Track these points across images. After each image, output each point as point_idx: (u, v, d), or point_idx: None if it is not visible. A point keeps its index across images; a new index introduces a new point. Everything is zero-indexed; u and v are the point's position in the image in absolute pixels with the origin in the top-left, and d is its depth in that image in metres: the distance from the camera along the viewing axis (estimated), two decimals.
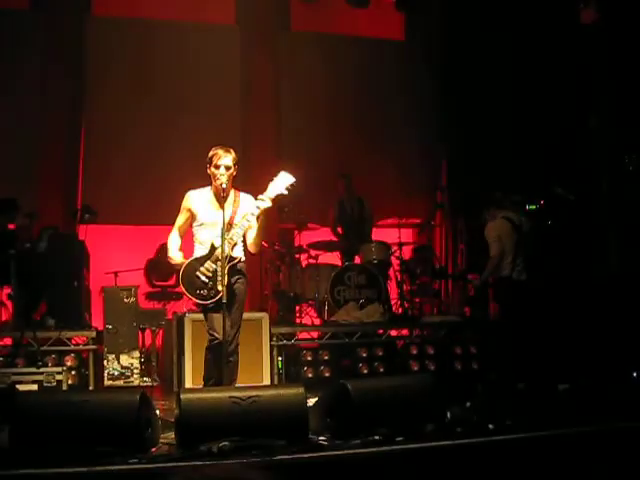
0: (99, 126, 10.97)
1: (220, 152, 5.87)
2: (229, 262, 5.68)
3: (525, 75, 10.52)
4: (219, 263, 5.67)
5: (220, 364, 5.63)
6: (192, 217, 5.96)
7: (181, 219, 6.02)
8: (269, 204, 5.76)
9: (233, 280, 5.80)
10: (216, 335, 5.69)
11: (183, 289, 5.82)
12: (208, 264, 5.75)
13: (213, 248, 5.75)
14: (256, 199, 5.79)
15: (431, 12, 11.96)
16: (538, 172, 9.49)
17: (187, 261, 5.85)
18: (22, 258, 8.44)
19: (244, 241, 5.96)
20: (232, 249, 5.76)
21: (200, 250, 5.89)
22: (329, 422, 5.20)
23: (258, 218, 5.83)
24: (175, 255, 5.94)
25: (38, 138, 10.69)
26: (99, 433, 4.65)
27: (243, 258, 5.94)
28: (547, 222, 9.01)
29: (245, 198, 5.98)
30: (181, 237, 6.05)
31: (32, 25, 10.91)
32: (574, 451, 5.03)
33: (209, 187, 5.98)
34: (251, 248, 5.99)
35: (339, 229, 10.39)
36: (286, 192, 5.82)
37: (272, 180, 5.84)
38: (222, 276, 5.60)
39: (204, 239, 5.87)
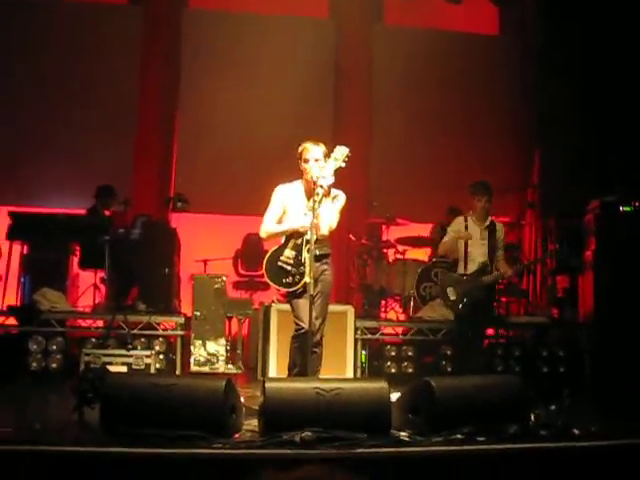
0: (193, 117, 11.19)
1: (308, 146, 5.87)
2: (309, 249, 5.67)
3: (625, 70, 10.20)
4: (300, 248, 5.72)
5: (305, 353, 5.68)
6: (284, 213, 5.99)
7: (275, 213, 5.99)
8: (331, 180, 5.72)
9: (319, 271, 5.82)
10: (302, 324, 5.74)
11: (269, 281, 5.89)
12: (287, 252, 5.80)
13: (289, 236, 5.81)
14: (317, 179, 5.71)
15: (526, 5, 11.76)
16: (634, 172, 9.20)
17: (268, 254, 5.90)
18: (116, 244, 8.69)
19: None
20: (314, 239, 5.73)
21: (281, 240, 5.95)
22: (411, 418, 5.17)
23: (330, 198, 5.81)
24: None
25: (134, 128, 10.99)
26: (185, 417, 4.74)
27: (329, 251, 5.95)
28: None
29: (338, 194, 5.96)
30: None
31: (130, 18, 11.20)
32: None
33: (300, 181, 6.01)
34: (322, 229, 5.85)
35: (430, 248, 10.29)
36: (343, 164, 5.77)
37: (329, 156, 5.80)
38: (310, 266, 5.62)
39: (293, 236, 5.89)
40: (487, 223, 7.63)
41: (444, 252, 8.00)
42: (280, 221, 6.00)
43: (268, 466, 4.26)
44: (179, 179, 10.81)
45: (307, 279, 5.65)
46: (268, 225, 5.99)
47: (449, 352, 8.82)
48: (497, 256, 7.55)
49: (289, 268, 5.78)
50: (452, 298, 7.56)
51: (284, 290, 5.89)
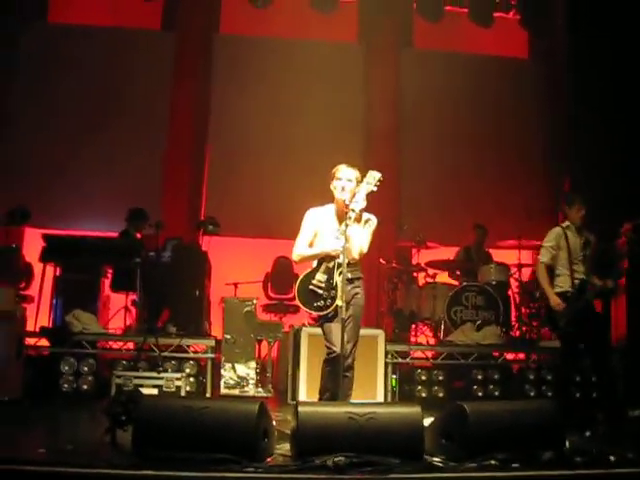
0: (224, 140, 11.30)
1: (341, 166, 5.89)
2: (340, 272, 5.68)
3: None
4: (332, 272, 5.72)
5: (337, 377, 5.65)
6: (315, 236, 5.97)
7: (306, 237, 5.97)
8: (363, 204, 5.72)
9: (350, 295, 5.81)
10: (334, 348, 5.72)
11: (301, 305, 5.86)
12: (319, 275, 5.78)
13: (321, 260, 5.81)
14: (349, 202, 5.71)
15: (556, 30, 11.75)
16: None
17: (300, 278, 5.90)
18: (147, 266, 8.74)
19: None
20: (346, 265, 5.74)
21: (313, 264, 5.93)
22: (444, 443, 5.12)
23: (362, 222, 5.82)
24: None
25: (166, 151, 11.09)
26: (217, 440, 4.72)
27: (360, 275, 5.94)
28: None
29: (369, 217, 5.94)
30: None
31: (163, 44, 11.36)
32: None
33: (331, 204, 6.02)
34: (353, 253, 5.83)
35: (458, 272, 10.26)
36: (375, 189, 5.75)
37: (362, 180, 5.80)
38: (342, 289, 5.62)
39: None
40: (584, 237, 7.08)
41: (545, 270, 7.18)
42: (312, 244, 5.99)
43: None
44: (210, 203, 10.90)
45: (339, 302, 5.64)
46: (300, 248, 5.98)
47: (480, 377, 8.76)
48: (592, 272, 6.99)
49: (321, 292, 5.77)
50: (561, 324, 7.01)
51: (315, 314, 5.87)
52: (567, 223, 7.18)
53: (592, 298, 7.03)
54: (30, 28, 11.19)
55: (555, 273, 7.11)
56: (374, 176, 5.79)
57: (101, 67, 11.05)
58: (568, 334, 6.98)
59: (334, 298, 5.71)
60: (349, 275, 5.72)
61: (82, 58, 10.99)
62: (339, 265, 5.69)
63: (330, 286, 5.74)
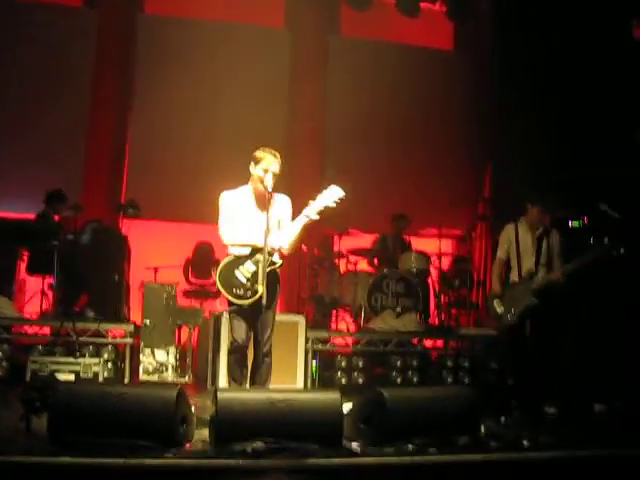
0: (145, 122, 11.10)
1: (269, 157, 5.86)
2: (270, 266, 5.70)
3: (574, 87, 10.38)
4: (259, 265, 5.70)
5: (242, 367, 5.79)
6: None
7: (230, 218, 5.93)
8: (316, 217, 5.77)
9: (269, 283, 5.81)
10: (238, 340, 5.78)
11: (219, 285, 5.82)
12: (248, 264, 5.76)
13: (254, 250, 5.77)
14: (304, 209, 5.76)
15: (481, 22, 11.93)
16: (584, 188, 9.36)
17: (227, 259, 5.86)
18: (65, 249, 8.55)
19: None
20: (272, 254, 5.77)
21: (236, 249, 5.89)
22: (363, 429, 5.19)
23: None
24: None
25: (85, 132, 10.87)
26: (135, 426, 4.69)
27: (281, 262, 5.93)
28: (590, 240, 8.87)
29: (280, 199, 5.98)
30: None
31: (84, 21, 11.11)
32: (608, 473, 4.97)
33: (247, 186, 6.00)
34: (286, 250, 5.92)
35: (375, 260, 10.34)
36: (334, 205, 5.80)
37: (321, 192, 5.80)
38: (262, 278, 5.61)
39: (243, 240, 5.86)
40: (540, 231, 7.39)
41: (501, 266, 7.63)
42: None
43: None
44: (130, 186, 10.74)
45: (260, 288, 5.63)
46: (230, 234, 5.90)
47: (399, 363, 8.86)
48: (553, 263, 7.32)
49: (244, 281, 5.75)
50: (499, 311, 7.35)
51: (231, 299, 5.83)
52: (522, 219, 7.48)
53: (537, 287, 7.21)
54: None
55: (509, 267, 7.51)
56: (336, 194, 5.79)
57: (20, 46, 10.70)
58: (511, 320, 7.25)
59: (255, 292, 5.69)
60: (276, 270, 5.80)
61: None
62: (268, 260, 5.67)
63: (255, 279, 5.72)
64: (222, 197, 6.00)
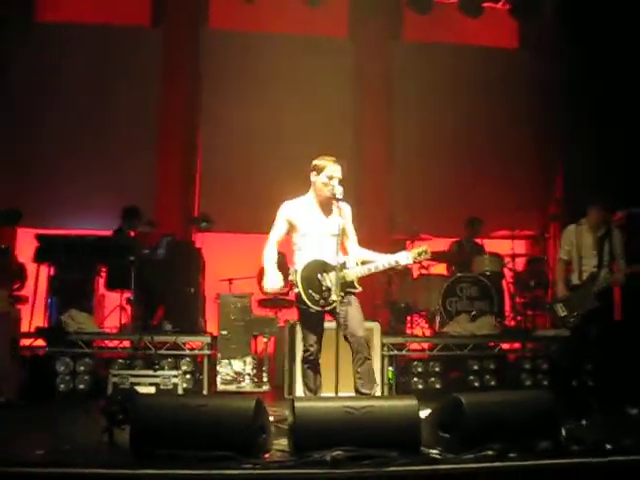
0: (215, 136, 11.27)
1: (331, 164, 5.90)
2: (347, 285, 5.79)
3: None
4: (337, 278, 5.71)
5: (316, 375, 5.86)
6: (292, 228, 5.99)
7: (280, 230, 6.03)
8: (409, 263, 5.98)
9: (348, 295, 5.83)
10: (310, 349, 5.86)
11: (297, 280, 5.85)
12: (333, 274, 5.76)
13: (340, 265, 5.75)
14: (393, 257, 5.93)
15: (547, 18, 11.74)
16: None
17: (307, 263, 5.88)
18: (142, 264, 8.72)
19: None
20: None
21: (304, 257, 5.91)
22: (441, 435, 5.15)
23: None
24: (272, 280, 5.91)
25: (158, 148, 11.07)
26: (215, 437, 4.73)
27: (359, 289, 5.94)
28: None
29: (342, 206, 5.98)
30: (277, 249, 6.07)
31: (151, 39, 11.34)
32: None
33: (309, 195, 6.03)
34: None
35: (452, 267, 10.26)
36: (415, 261, 6.00)
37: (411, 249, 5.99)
38: (336, 286, 5.64)
39: (307, 248, 5.91)
40: (602, 231, 7.40)
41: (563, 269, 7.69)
42: (285, 237, 6.04)
43: None
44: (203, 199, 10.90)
45: (333, 297, 5.67)
46: (270, 250, 6.03)
47: (476, 367, 8.78)
48: (617, 264, 7.33)
49: (324, 288, 5.78)
50: (562, 314, 7.43)
51: (303, 298, 5.85)
52: (583, 220, 7.50)
53: (599, 289, 7.24)
54: (17, 28, 11.12)
55: (571, 269, 7.56)
56: (424, 253, 5.93)
57: (91, 65, 10.99)
58: (574, 323, 7.31)
59: (330, 303, 5.73)
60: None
61: (72, 56, 10.93)
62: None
63: (331, 290, 5.76)
64: (280, 207, 6.06)
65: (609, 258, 7.31)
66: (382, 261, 5.86)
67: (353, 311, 5.84)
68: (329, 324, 5.99)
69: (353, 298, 5.90)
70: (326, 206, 5.94)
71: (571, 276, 7.51)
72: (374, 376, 5.99)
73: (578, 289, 7.37)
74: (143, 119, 11.08)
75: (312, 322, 5.85)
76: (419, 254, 5.88)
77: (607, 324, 7.47)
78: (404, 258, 5.85)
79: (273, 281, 5.87)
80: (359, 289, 5.84)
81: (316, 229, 5.88)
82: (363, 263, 5.96)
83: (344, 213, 5.98)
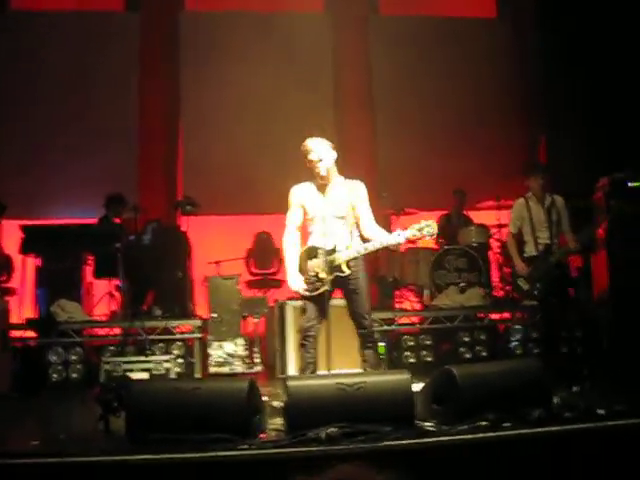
0: (196, 118, 11.22)
1: (308, 145, 5.85)
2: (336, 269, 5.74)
3: (623, 51, 10.09)
4: (328, 257, 5.73)
5: (312, 354, 5.81)
6: (304, 211, 5.95)
7: (295, 216, 5.97)
8: (402, 242, 5.78)
9: (353, 271, 5.81)
10: (304, 325, 5.85)
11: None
12: (322, 259, 5.75)
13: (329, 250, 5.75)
14: (392, 235, 5.77)
15: None
16: None
17: (308, 246, 5.91)
18: (128, 251, 8.70)
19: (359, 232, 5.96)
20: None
21: (310, 241, 5.92)
22: (435, 408, 5.18)
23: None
24: (292, 280, 5.90)
25: (138, 133, 11.03)
26: (210, 420, 4.75)
27: (348, 272, 5.81)
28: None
29: (352, 185, 5.93)
30: (300, 234, 6.03)
31: (128, 24, 11.25)
32: None
33: (310, 182, 6.01)
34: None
35: (440, 239, 10.26)
36: (426, 238, 5.86)
37: (418, 222, 5.79)
38: (326, 272, 5.66)
39: (315, 232, 5.89)
40: (548, 202, 7.57)
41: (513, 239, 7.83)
42: (302, 221, 5.98)
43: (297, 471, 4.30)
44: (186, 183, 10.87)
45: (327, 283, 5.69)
46: (289, 237, 5.99)
47: (466, 339, 8.83)
48: (564, 230, 7.52)
49: (312, 274, 5.80)
50: (525, 288, 7.58)
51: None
52: (529, 193, 7.67)
53: (557, 260, 7.45)
54: None
55: (523, 240, 7.70)
56: (430, 230, 5.73)
57: (68, 53, 10.90)
58: (538, 295, 7.48)
59: (316, 285, 5.76)
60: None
61: (47, 45, 10.85)
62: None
63: (321, 276, 5.78)
64: (290, 192, 6.01)
65: (557, 228, 7.50)
66: (374, 242, 5.80)
67: (361, 299, 5.85)
68: (342, 301, 5.97)
69: (362, 282, 5.86)
70: (330, 187, 5.88)
71: (525, 248, 7.66)
72: (379, 360, 6.03)
73: (535, 261, 7.51)
74: (123, 106, 10.99)
75: (312, 301, 5.84)
76: (420, 229, 5.79)
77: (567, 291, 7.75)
78: (395, 237, 5.77)
79: (293, 282, 5.88)
80: (347, 272, 5.77)
81: (320, 212, 5.82)
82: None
83: (355, 193, 5.89)
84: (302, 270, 5.86)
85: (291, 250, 5.94)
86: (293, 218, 5.97)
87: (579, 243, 7.46)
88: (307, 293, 5.81)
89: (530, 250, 7.61)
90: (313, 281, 5.78)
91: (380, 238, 5.77)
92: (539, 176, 7.62)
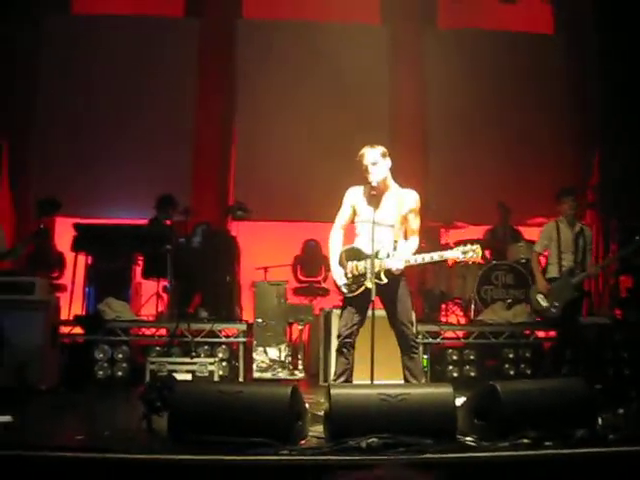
0: (250, 124, 11.32)
1: (364, 150, 5.90)
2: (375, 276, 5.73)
3: None
4: (368, 267, 5.74)
5: (347, 362, 5.84)
6: (354, 213, 6.01)
7: (344, 215, 6.04)
8: (400, 267, 5.77)
9: (391, 280, 5.81)
10: (340, 333, 5.89)
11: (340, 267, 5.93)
12: (364, 263, 5.79)
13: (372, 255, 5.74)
14: (437, 253, 5.85)
15: (580, 3, 11.59)
16: None
17: (352, 246, 5.94)
18: (178, 253, 8.81)
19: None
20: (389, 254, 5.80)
21: (357, 244, 5.95)
22: (477, 423, 5.15)
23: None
24: (335, 274, 5.93)
25: (193, 137, 11.17)
26: (252, 424, 4.77)
27: (385, 281, 5.82)
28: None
29: (402, 194, 5.95)
30: (343, 232, 6.07)
31: (187, 29, 11.41)
32: None
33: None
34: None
35: (487, 253, 10.19)
36: (463, 260, 5.90)
37: (462, 244, 5.90)
38: (371, 274, 5.66)
39: (362, 235, 5.92)
40: (577, 229, 7.90)
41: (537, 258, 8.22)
42: (350, 221, 6.02)
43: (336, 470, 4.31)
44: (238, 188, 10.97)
45: (368, 284, 5.69)
46: (335, 234, 6.04)
47: (511, 355, 8.75)
48: (587, 259, 7.88)
49: (350, 275, 5.83)
50: (544, 305, 7.88)
51: (339, 285, 5.92)
52: (561, 217, 8.01)
53: (577, 282, 7.82)
54: (54, 20, 11.25)
55: (548, 262, 8.11)
56: (473, 255, 5.79)
57: (127, 56, 11.09)
58: (556, 313, 7.83)
59: (360, 285, 5.77)
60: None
61: (107, 48, 11.04)
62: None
63: (361, 278, 5.80)
64: (347, 193, 6.07)
65: (583, 255, 7.85)
66: (423, 255, 5.81)
67: (401, 307, 5.88)
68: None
69: (402, 290, 5.90)
70: (383, 194, 5.92)
71: (548, 268, 8.02)
72: (422, 369, 6.02)
73: (556, 281, 7.85)
74: (180, 109, 11.16)
75: (353, 307, 5.86)
76: (464, 252, 5.80)
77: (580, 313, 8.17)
78: (394, 262, 5.74)
79: (335, 275, 5.92)
80: (384, 281, 5.77)
81: (370, 217, 5.82)
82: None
83: (405, 203, 5.91)
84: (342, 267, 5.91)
85: (337, 245, 6.00)
86: (342, 216, 6.04)
87: (595, 269, 8.14)
88: (345, 291, 5.84)
89: (553, 271, 7.93)
90: (350, 282, 5.81)
91: (426, 255, 5.79)
92: (571, 199, 7.93)
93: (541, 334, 9.24)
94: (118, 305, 8.55)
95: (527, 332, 9.06)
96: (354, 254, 5.89)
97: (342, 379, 5.83)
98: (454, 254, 5.78)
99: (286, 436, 4.78)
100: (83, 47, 11.06)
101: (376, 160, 5.84)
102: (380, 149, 5.91)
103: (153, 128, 10.99)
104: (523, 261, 9.57)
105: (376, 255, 5.75)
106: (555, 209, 8.19)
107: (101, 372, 8.15)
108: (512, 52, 11.57)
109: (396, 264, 5.73)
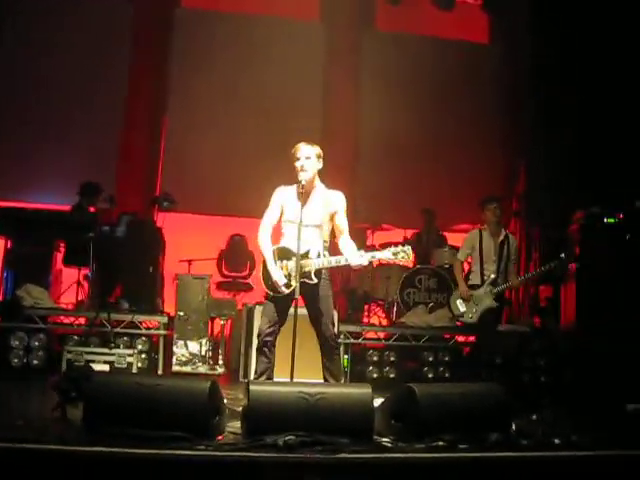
0: (181, 116, 11.20)
1: (301, 145, 5.91)
2: (303, 275, 5.74)
3: (611, 83, 10.21)
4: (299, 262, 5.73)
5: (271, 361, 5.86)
6: (281, 212, 5.98)
7: (273, 214, 5.99)
8: (365, 264, 5.81)
9: (319, 279, 5.85)
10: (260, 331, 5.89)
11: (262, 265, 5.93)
12: (292, 262, 5.77)
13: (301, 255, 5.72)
14: (362, 254, 5.78)
15: (517, 14, 11.80)
16: (619, 184, 9.25)
17: (281, 246, 5.92)
18: (100, 241, 8.66)
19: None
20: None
21: (281, 244, 5.95)
22: (394, 424, 5.19)
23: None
24: (274, 275, 5.86)
25: (121, 125, 10.96)
26: (168, 417, 4.72)
27: (315, 282, 5.86)
28: (625, 237, 8.81)
29: (330, 195, 5.97)
30: (271, 232, 6.03)
31: (121, 15, 11.21)
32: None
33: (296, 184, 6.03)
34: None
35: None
36: (394, 260, 5.93)
37: (394, 245, 5.84)
38: (296, 273, 5.65)
39: (287, 235, 5.92)
40: (501, 237, 8.04)
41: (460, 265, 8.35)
42: (278, 221, 5.99)
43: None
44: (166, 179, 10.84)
45: (293, 282, 5.68)
46: (264, 235, 5.98)
47: (431, 358, 8.86)
48: (509, 269, 8.02)
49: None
50: (462, 310, 8.12)
51: (264, 285, 5.92)
52: (484, 225, 8.15)
53: (497, 292, 8.00)
54: None
55: (470, 269, 8.29)
56: (405, 254, 5.79)
57: (57, 39, 10.82)
58: (473, 319, 8.07)
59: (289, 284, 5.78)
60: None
61: (38, 30, 10.78)
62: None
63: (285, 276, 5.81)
64: (275, 192, 6.03)
65: (505, 264, 8.00)
66: (340, 258, 5.82)
67: (324, 306, 5.90)
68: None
69: (326, 290, 5.92)
70: (311, 194, 5.91)
71: (471, 276, 8.19)
72: (341, 369, 6.03)
73: (477, 289, 8.03)
74: (109, 96, 10.96)
75: (275, 305, 5.84)
76: (395, 254, 5.82)
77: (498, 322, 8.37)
78: (358, 258, 5.75)
79: (275, 275, 5.83)
80: (314, 281, 5.80)
81: (297, 216, 5.80)
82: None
83: (332, 203, 5.93)
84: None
85: (268, 245, 5.94)
86: (270, 215, 5.99)
87: (520, 282, 8.29)
88: (271, 292, 5.83)
89: (475, 279, 8.10)
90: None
91: (346, 254, 5.81)
92: (494, 207, 8.03)
93: (461, 339, 9.38)
94: (37, 292, 8.35)
95: (447, 336, 9.17)
96: (284, 254, 5.87)
97: (263, 378, 5.81)
98: (385, 255, 5.81)
99: (203, 431, 4.74)
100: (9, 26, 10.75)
101: (310, 156, 5.85)
102: (317, 149, 5.94)
103: (80, 114, 10.76)
104: (447, 266, 9.71)
105: (307, 255, 5.75)
106: (479, 215, 8.32)
107: (16, 360, 7.92)
108: (447, 58, 11.71)
109: (361, 260, 5.73)
